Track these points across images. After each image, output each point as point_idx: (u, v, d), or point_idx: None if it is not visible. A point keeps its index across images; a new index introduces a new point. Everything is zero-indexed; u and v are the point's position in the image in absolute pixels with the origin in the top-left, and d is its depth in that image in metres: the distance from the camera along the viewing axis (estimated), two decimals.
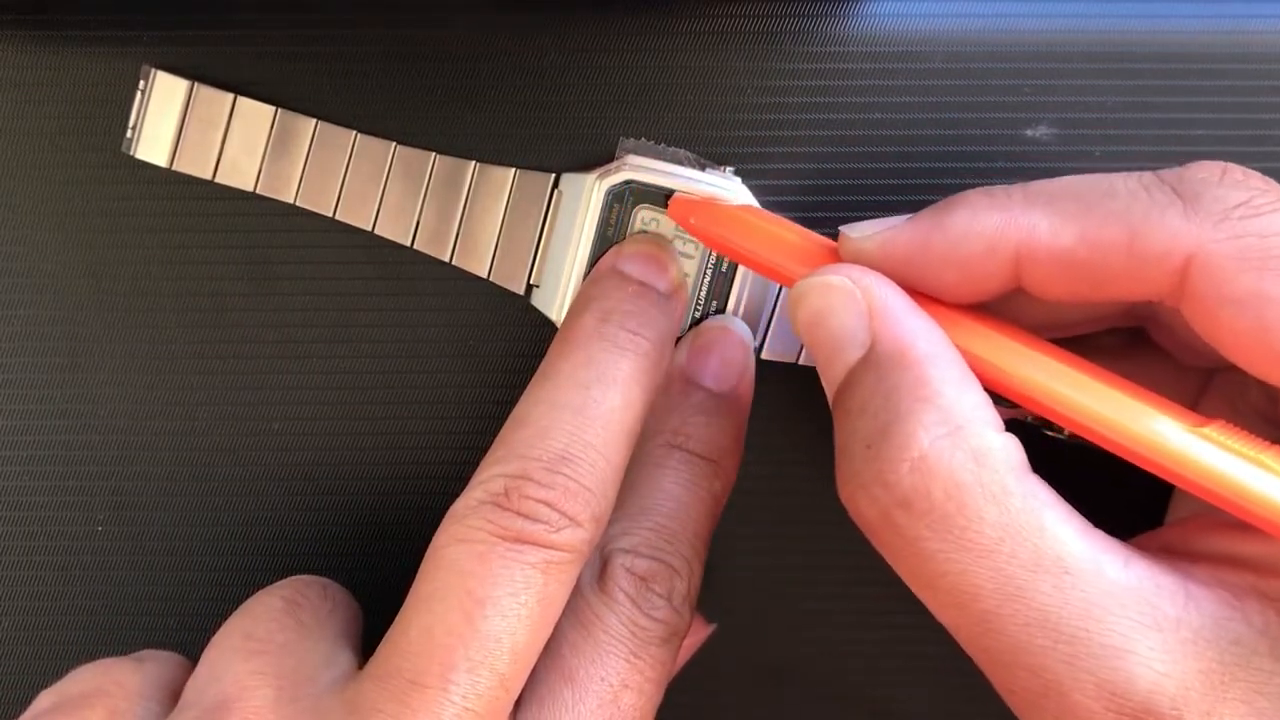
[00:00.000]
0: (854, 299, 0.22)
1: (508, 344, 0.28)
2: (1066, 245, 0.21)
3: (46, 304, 0.28)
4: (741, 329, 0.27)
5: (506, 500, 0.22)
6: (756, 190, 0.27)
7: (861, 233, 0.23)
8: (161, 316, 0.28)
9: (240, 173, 0.27)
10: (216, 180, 0.27)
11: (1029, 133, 0.27)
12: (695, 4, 0.27)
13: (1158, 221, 0.20)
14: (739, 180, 0.26)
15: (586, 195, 0.26)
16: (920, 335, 0.21)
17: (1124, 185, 0.21)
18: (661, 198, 0.26)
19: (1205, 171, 0.21)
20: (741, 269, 0.27)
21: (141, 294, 0.28)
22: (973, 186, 0.27)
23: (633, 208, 0.26)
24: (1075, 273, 0.21)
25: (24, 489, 0.29)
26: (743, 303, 0.27)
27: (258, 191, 0.27)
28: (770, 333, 0.27)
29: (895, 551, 0.21)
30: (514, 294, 0.27)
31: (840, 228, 0.24)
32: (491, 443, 0.24)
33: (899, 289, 0.22)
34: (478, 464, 0.23)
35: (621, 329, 0.24)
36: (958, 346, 0.22)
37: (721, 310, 0.27)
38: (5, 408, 0.28)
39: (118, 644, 0.29)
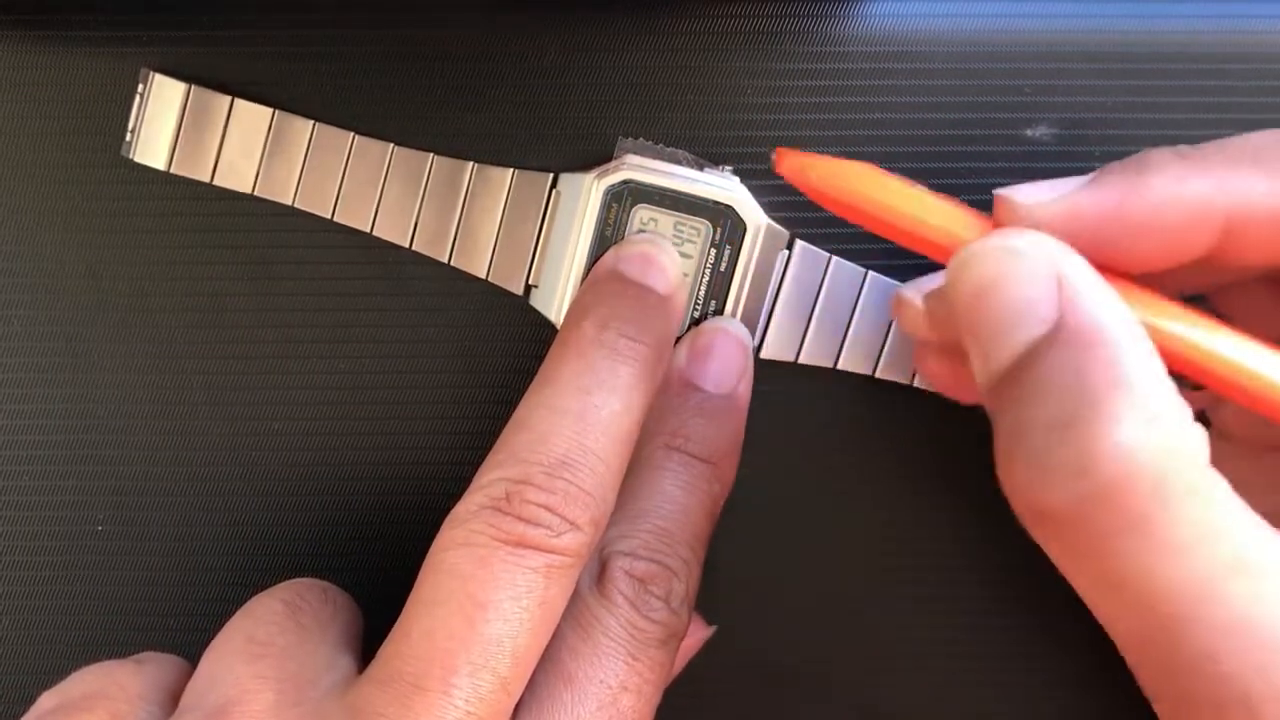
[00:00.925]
0: (1040, 268, 0.20)
1: (506, 344, 0.28)
2: None
3: (46, 304, 0.28)
4: (740, 330, 0.27)
5: (507, 504, 0.22)
6: (756, 190, 0.27)
7: (1033, 197, 0.21)
8: (161, 317, 0.28)
9: (238, 175, 0.27)
10: (215, 183, 0.27)
11: (1029, 133, 0.27)
12: (695, 4, 0.27)
13: None
14: (738, 180, 0.26)
15: (585, 195, 0.26)
16: (1114, 313, 0.19)
17: None
18: (660, 196, 0.26)
19: None
20: (740, 268, 0.26)
21: (141, 294, 0.28)
22: (973, 186, 0.27)
23: (631, 207, 0.26)
24: None
25: (24, 489, 0.29)
26: (742, 302, 0.27)
27: (256, 193, 0.27)
28: (770, 331, 0.27)
29: (1078, 547, 0.19)
30: (512, 294, 0.27)
31: (997, 191, 0.22)
32: (491, 444, 0.24)
33: (1087, 264, 0.20)
34: (477, 464, 0.23)
35: (621, 336, 0.24)
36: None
37: (720, 310, 0.27)
38: (5, 407, 0.28)
39: (118, 644, 0.29)
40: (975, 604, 0.28)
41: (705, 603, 0.28)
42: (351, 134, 0.27)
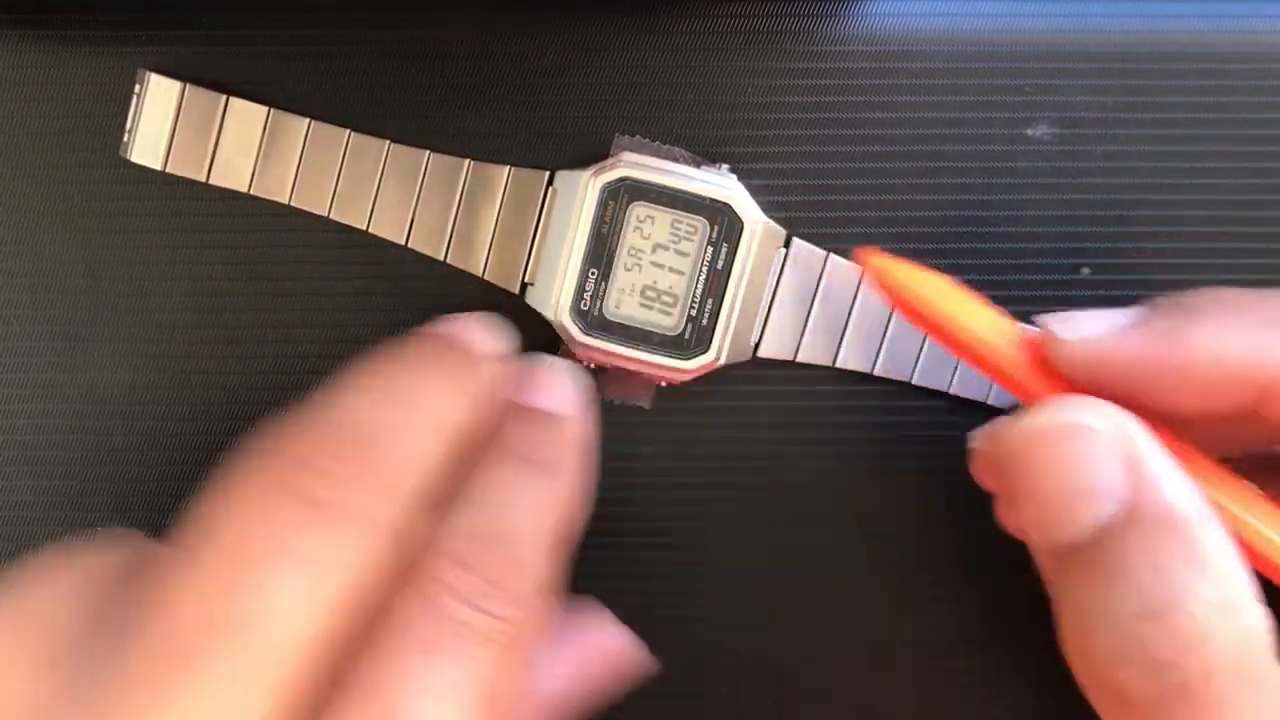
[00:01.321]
0: (1113, 446, 0.19)
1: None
2: None
3: (45, 304, 0.28)
4: (568, 367, 0.25)
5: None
6: (756, 190, 0.26)
7: (1078, 333, 0.21)
8: (160, 316, 0.28)
9: (234, 174, 0.27)
10: (211, 182, 0.27)
11: (1029, 132, 0.27)
12: (695, 3, 0.27)
13: None
14: (734, 177, 0.26)
15: (581, 192, 0.26)
16: (1187, 494, 0.19)
17: None
18: (657, 194, 0.26)
19: None
20: (739, 259, 0.26)
21: (140, 294, 0.28)
22: (973, 186, 0.27)
23: (628, 205, 0.26)
24: None
25: (23, 488, 0.29)
26: (739, 300, 0.27)
27: (252, 192, 0.27)
28: (767, 330, 0.27)
29: None
30: (509, 292, 0.27)
31: (1043, 320, 0.22)
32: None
33: (1156, 437, 0.20)
34: None
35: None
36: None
37: (718, 309, 0.26)
38: (4, 407, 0.28)
39: None
40: (976, 603, 0.28)
41: (700, 602, 0.28)
42: (348, 131, 0.27)
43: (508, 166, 0.27)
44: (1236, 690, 0.18)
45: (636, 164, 0.26)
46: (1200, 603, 0.18)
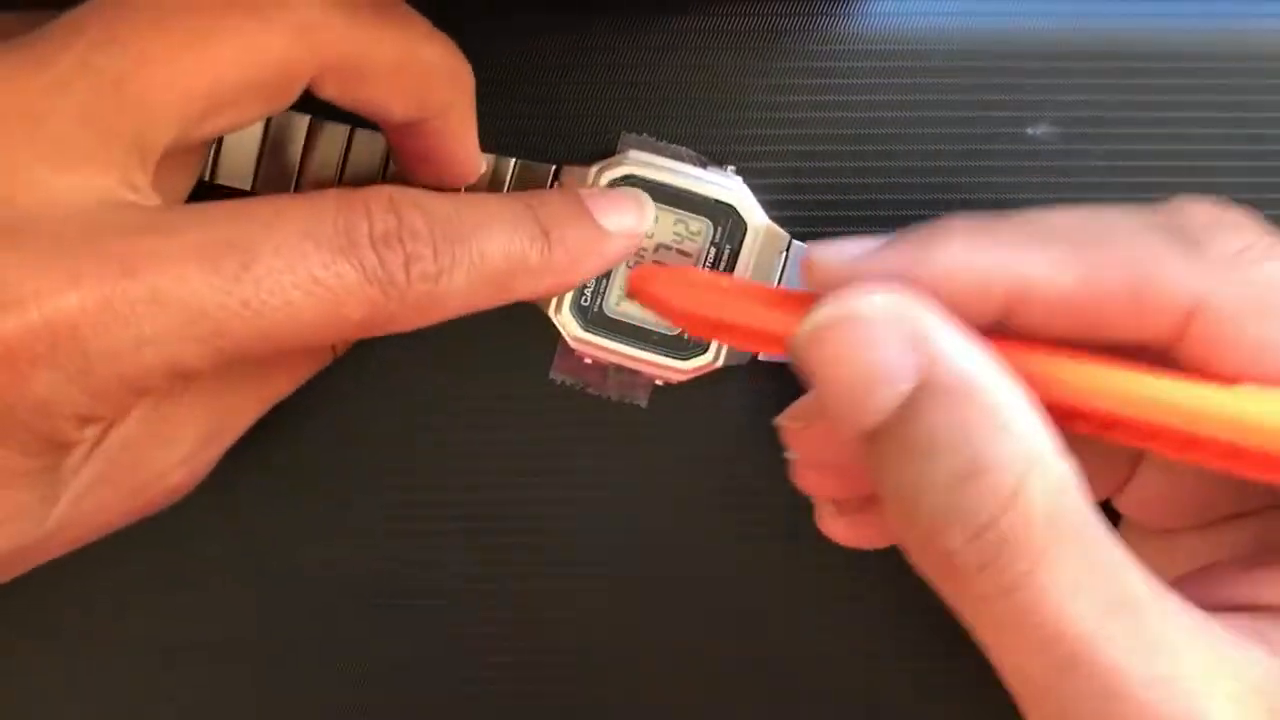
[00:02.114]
0: (894, 327, 0.20)
1: (503, 338, 0.28)
2: (1065, 290, 0.20)
3: None
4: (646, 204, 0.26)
5: None
6: (757, 189, 0.27)
7: (833, 256, 0.21)
8: None
9: (237, 171, 0.27)
10: (217, 180, 0.27)
11: (1030, 132, 0.27)
12: (697, 3, 0.27)
13: (1162, 267, 0.20)
14: (739, 179, 0.26)
15: (587, 188, 0.26)
16: (980, 359, 0.20)
17: (1123, 225, 0.21)
18: (662, 193, 0.26)
19: (1205, 215, 0.21)
20: (742, 261, 0.26)
21: None
22: (974, 185, 0.27)
23: None
24: (1071, 316, 0.20)
25: None
26: None
27: (256, 189, 0.27)
28: None
29: (983, 592, 0.19)
30: None
31: (807, 246, 0.23)
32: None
33: (940, 308, 0.20)
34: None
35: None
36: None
37: None
38: None
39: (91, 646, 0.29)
40: None
41: (703, 603, 0.28)
42: (349, 126, 0.27)
43: (513, 159, 0.27)
44: (1056, 537, 0.19)
45: (642, 162, 0.26)
46: (1009, 459, 0.19)
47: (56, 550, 0.23)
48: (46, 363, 0.19)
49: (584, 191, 0.25)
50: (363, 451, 0.28)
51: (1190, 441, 0.20)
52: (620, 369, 0.27)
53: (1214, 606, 0.20)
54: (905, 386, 0.19)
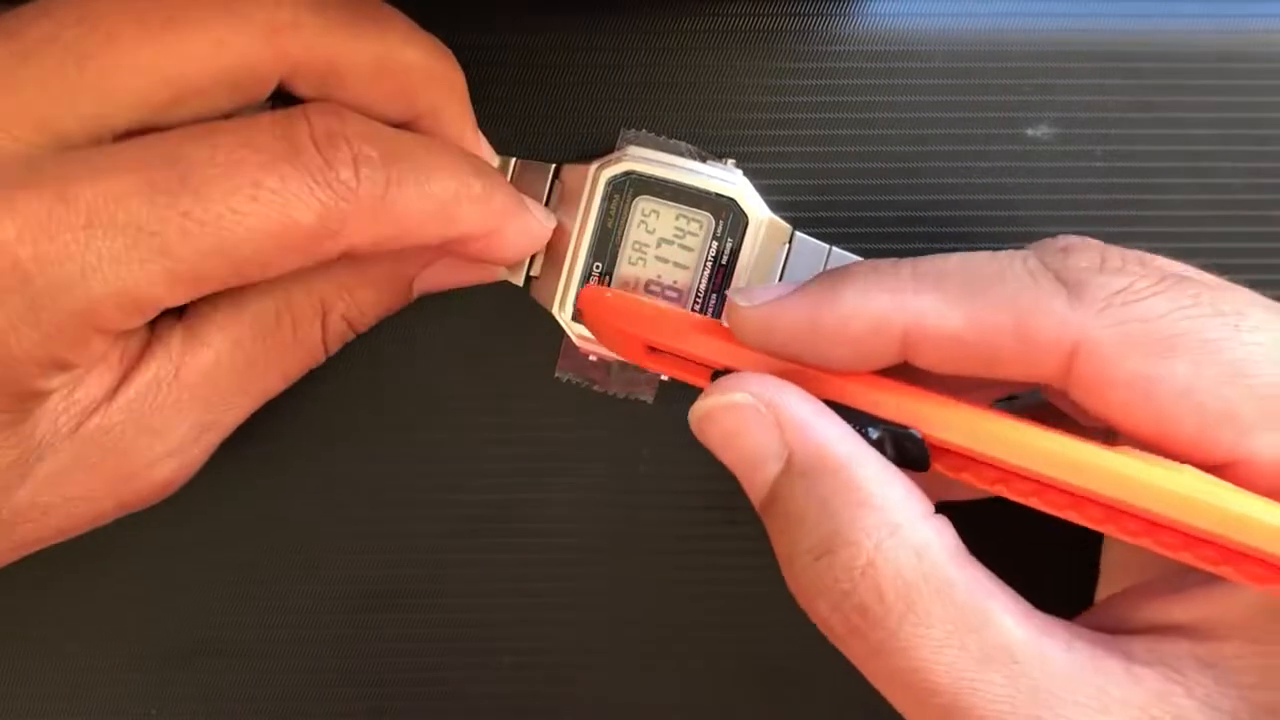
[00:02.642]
0: (761, 414, 0.22)
1: (506, 336, 0.28)
2: (953, 329, 0.21)
3: None
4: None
5: None
6: (758, 188, 0.26)
7: (749, 301, 0.23)
8: None
9: None
10: None
11: (1029, 132, 0.27)
12: (698, 3, 0.27)
13: (1044, 310, 0.21)
14: (740, 172, 0.26)
15: (587, 186, 0.26)
16: (837, 438, 0.21)
17: (1011, 270, 0.22)
18: (662, 188, 0.26)
19: (1086, 258, 0.22)
20: (744, 254, 0.26)
21: None
22: (974, 184, 0.27)
23: (633, 198, 0.26)
24: (963, 355, 0.21)
25: None
26: None
27: None
28: None
29: (858, 655, 0.21)
30: (513, 286, 0.27)
31: (728, 293, 0.24)
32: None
33: (802, 393, 0.22)
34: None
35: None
36: (867, 408, 0.22)
37: (721, 303, 0.26)
38: None
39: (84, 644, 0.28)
40: None
41: (706, 604, 0.28)
42: None
43: (513, 158, 0.27)
44: (915, 599, 0.20)
45: (642, 158, 0.26)
46: (865, 531, 0.20)
47: (36, 536, 0.23)
48: None
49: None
50: (362, 451, 0.28)
51: (1061, 495, 0.21)
52: (625, 366, 0.27)
53: (1134, 628, 0.21)
54: (776, 467, 0.22)
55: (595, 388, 0.28)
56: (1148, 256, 0.22)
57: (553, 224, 0.26)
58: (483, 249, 0.24)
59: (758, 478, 0.22)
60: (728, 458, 0.22)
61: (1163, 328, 0.20)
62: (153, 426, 0.23)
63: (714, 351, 0.23)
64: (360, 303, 0.25)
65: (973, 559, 0.21)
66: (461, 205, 0.23)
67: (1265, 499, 0.20)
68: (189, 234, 0.20)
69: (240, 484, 0.28)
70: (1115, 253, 0.22)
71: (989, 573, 0.21)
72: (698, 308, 0.27)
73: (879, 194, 0.27)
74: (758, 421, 0.22)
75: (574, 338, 0.27)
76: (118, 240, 0.19)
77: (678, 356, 0.24)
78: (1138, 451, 0.21)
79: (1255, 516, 0.19)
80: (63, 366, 0.21)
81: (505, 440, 0.28)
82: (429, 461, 0.28)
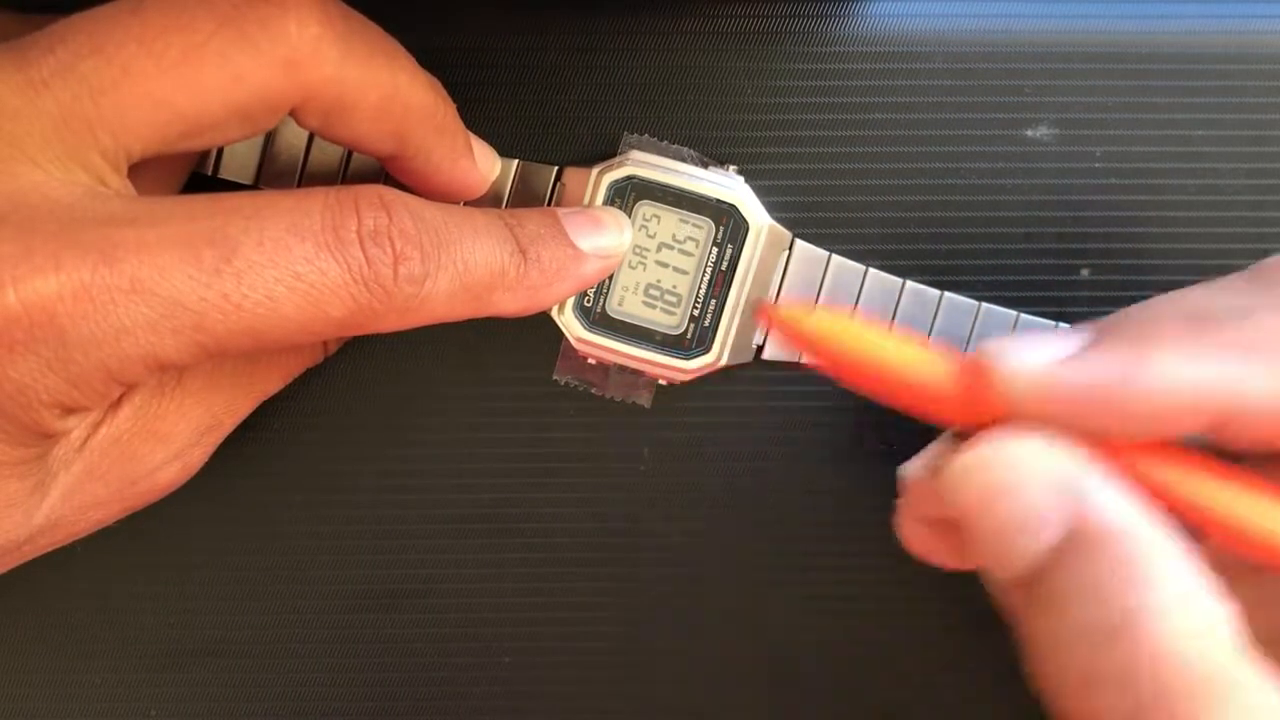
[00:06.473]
0: (1048, 476, 0.19)
1: (505, 336, 0.28)
2: None
3: None
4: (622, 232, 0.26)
5: None
6: (758, 190, 0.27)
7: (1024, 361, 0.20)
8: None
9: (241, 167, 0.27)
10: (220, 175, 0.27)
11: (1029, 133, 0.27)
12: (697, 4, 0.27)
13: None
14: (741, 179, 0.26)
15: (589, 189, 0.26)
16: (1128, 511, 0.19)
17: None
18: (663, 193, 0.26)
19: None
20: (744, 260, 0.26)
21: None
22: (974, 186, 0.27)
23: (634, 203, 0.26)
24: None
25: None
26: (743, 301, 0.27)
27: (259, 185, 0.27)
28: (771, 331, 0.27)
29: None
30: None
31: (990, 347, 0.20)
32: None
33: (1092, 456, 0.19)
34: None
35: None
36: (1148, 483, 0.20)
37: (721, 309, 0.27)
38: None
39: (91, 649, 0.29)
40: (981, 600, 0.28)
41: (703, 604, 0.28)
42: None
43: (516, 160, 0.27)
44: (1204, 693, 0.18)
45: (644, 162, 0.26)
46: (1152, 614, 0.18)
47: (48, 545, 0.23)
48: (24, 349, 0.19)
49: (562, 211, 0.25)
50: (361, 451, 0.28)
51: None
52: (623, 369, 0.27)
53: None
54: (1053, 537, 0.19)
55: (593, 391, 0.28)
56: None
57: (622, 240, 0.26)
58: (520, 311, 0.24)
59: (1025, 548, 0.19)
60: (986, 521, 0.20)
61: None
62: (157, 433, 0.23)
63: (961, 406, 0.21)
64: None
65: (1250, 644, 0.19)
66: (495, 292, 0.23)
67: None
68: (225, 315, 0.20)
69: (239, 484, 0.28)
70: None
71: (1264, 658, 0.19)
72: (697, 311, 0.27)
73: (878, 194, 0.27)
74: (1039, 483, 0.19)
75: (572, 341, 0.27)
76: (154, 309, 0.19)
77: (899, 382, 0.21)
78: None
79: None
80: (82, 410, 0.21)
81: (505, 440, 0.28)
82: (429, 461, 0.28)
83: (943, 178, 0.27)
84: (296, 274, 0.20)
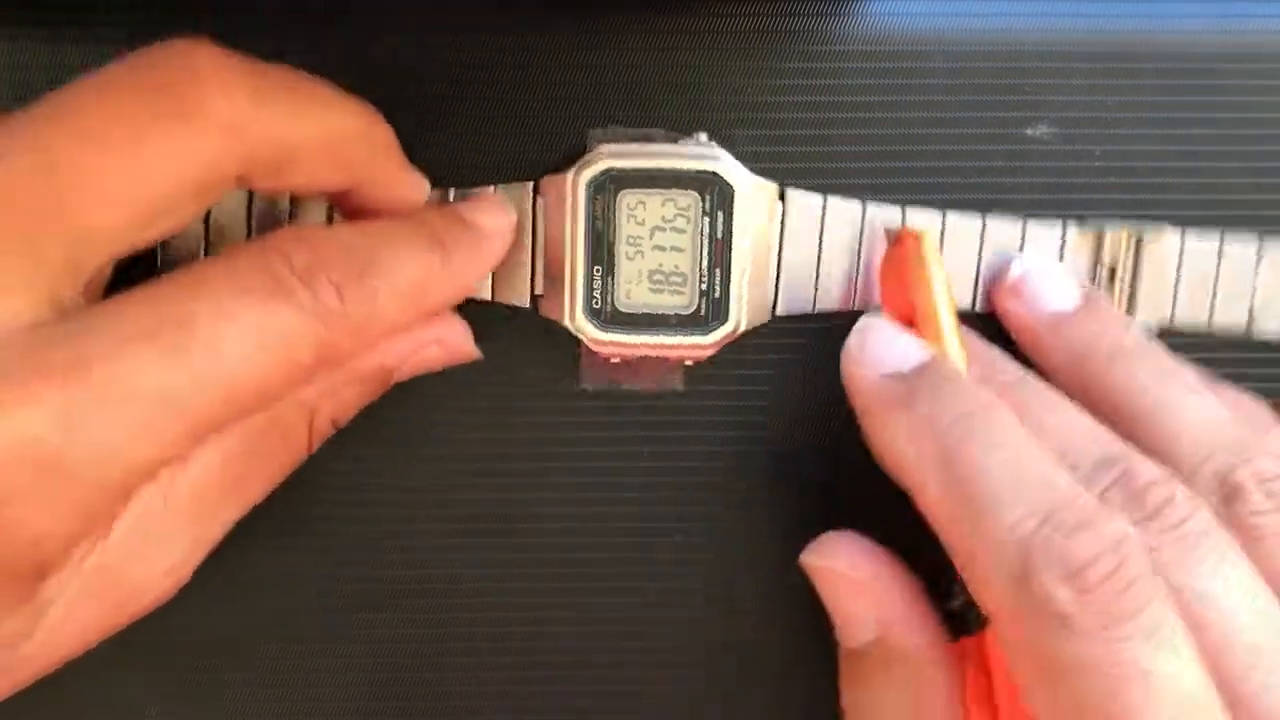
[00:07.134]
0: (864, 590, 0.25)
1: (504, 335, 0.28)
2: None
3: None
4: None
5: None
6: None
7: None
8: None
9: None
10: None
11: (1029, 132, 0.27)
12: (695, 4, 0.27)
13: None
14: (715, 144, 0.26)
15: (569, 194, 0.26)
16: (920, 640, 0.25)
17: None
18: (643, 177, 0.26)
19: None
20: (737, 231, 0.26)
21: None
22: (974, 186, 0.27)
23: (616, 194, 0.26)
24: None
25: None
26: (746, 264, 0.26)
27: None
28: (781, 287, 0.27)
29: None
30: (522, 308, 0.27)
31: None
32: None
33: (898, 574, 0.26)
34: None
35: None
36: None
37: (726, 278, 0.26)
38: None
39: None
40: None
41: (710, 602, 0.28)
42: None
43: (491, 186, 0.27)
44: None
45: (616, 153, 0.26)
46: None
47: (35, 672, 0.23)
48: (23, 496, 0.19)
49: (455, 204, 0.26)
50: (360, 450, 0.28)
51: None
52: (646, 360, 0.27)
53: None
54: (867, 636, 0.25)
55: (624, 387, 0.28)
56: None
57: (511, 218, 0.26)
58: (453, 298, 0.25)
59: (845, 635, 0.25)
60: (826, 604, 0.25)
61: None
62: (147, 555, 0.23)
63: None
64: (344, 401, 0.25)
65: None
66: (430, 288, 0.24)
67: None
68: (204, 389, 0.20)
69: None
70: None
71: None
72: (704, 286, 0.26)
73: (878, 194, 0.27)
74: (856, 595, 0.25)
75: (589, 343, 0.27)
76: (140, 409, 0.20)
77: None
78: None
79: None
80: (87, 537, 0.21)
81: (505, 439, 0.28)
82: (428, 461, 0.28)
83: (942, 176, 0.27)
84: (259, 328, 0.21)
